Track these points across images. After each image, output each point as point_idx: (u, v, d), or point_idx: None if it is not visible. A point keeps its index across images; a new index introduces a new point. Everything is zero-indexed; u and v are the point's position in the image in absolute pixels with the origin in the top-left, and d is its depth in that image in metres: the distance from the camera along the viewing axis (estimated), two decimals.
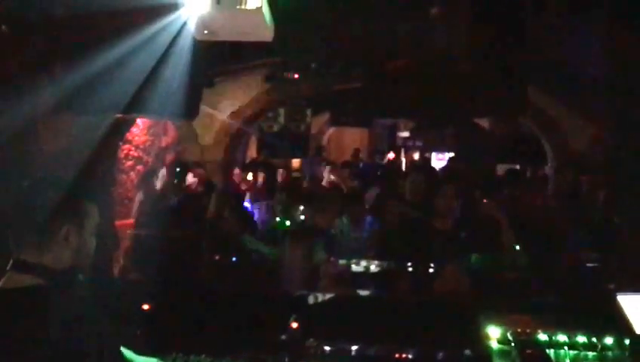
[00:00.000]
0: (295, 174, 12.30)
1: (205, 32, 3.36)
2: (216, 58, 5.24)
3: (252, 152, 12.38)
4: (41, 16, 4.03)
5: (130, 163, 9.49)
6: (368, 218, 5.64)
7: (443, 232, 4.61)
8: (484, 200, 5.31)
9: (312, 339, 3.18)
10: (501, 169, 10.57)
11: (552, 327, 3.19)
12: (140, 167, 9.47)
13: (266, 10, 3.21)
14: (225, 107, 9.93)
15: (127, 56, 3.84)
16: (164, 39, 3.80)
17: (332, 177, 9.15)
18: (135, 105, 4.16)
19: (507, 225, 4.44)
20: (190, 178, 7.23)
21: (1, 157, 3.95)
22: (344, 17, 5.20)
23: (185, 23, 3.64)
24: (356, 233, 5.57)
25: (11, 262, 1.87)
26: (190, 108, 4.63)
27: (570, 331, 3.16)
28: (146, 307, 3.45)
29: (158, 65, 3.93)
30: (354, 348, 3.18)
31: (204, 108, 4.90)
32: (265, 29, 3.33)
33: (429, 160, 17.21)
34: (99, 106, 4.29)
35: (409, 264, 4.76)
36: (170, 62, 3.93)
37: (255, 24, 3.22)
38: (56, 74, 4.32)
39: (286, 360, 3.00)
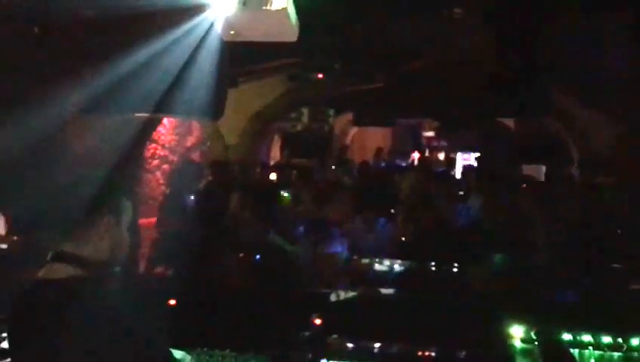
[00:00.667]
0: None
1: (231, 32, 3.40)
2: (241, 59, 5.29)
3: (275, 152, 12.45)
4: (70, 17, 4.12)
5: (156, 162, 9.61)
6: (381, 219, 5.60)
7: (467, 232, 4.61)
8: (520, 198, 5.28)
9: (334, 336, 3.20)
10: (526, 169, 10.48)
11: (576, 327, 3.17)
12: (165, 166, 9.58)
13: (291, 10, 3.24)
14: (249, 107, 10.00)
15: (154, 57, 3.90)
16: (191, 40, 3.85)
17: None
18: (162, 105, 4.22)
19: (539, 223, 4.40)
20: (214, 177, 7.29)
21: (37, 155, 4.05)
22: (367, 17, 5.20)
23: (211, 24, 3.69)
24: (371, 233, 5.53)
25: (51, 253, 1.93)
26: (216, 109, 4.68)
27: (595, 331, 3.13)
28: (172, 302, 3.51)
29: (185, 65, 3.98)
30: (376, 345, 3.19)
31: (228, 109, 4.95)
32: (290, 30, 3.36)
33: (453, 160, 17.07)
34: (127, 106, 4.37)
35: (432, 264, 4.77)
36: (197, 62, 3.98)
37: (280, 24, 3.26)
38: (86, 75, 4.41)
39: (309, 356, 3.03)
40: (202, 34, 3.82)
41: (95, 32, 4.03)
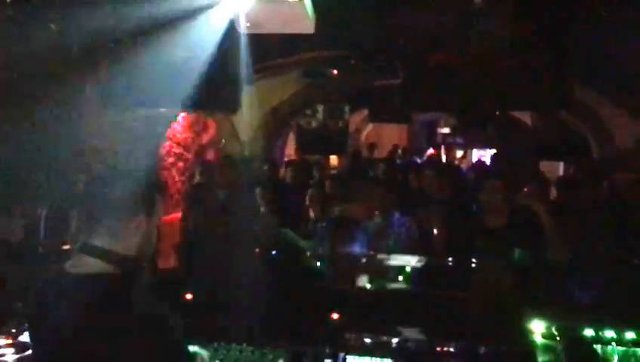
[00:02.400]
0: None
1: (248, 24, 3.39)
2: (256, 53, 5.28)
3: (290, 149, 12.44)
4: (85, 13, 4.14)
5: (171, 160, 9.65)
6: (396, 214, 5.54)
7: (490, 230, 4.55)
8: (524, 189, 5.20)
9: (352, 331, 3.18)
10: (543, 166, 10.37)
11: (599, 323, 3.11)
12: (180, 164, 9.62)
13: (307, 1, 3.22)
14: (264, 104, 10.00)
15: (170, 51, 3.89)
16: (208, 33, 3.84)
17: None
18: (180, 99, 4.22)
19: (547, 213, 4.31)
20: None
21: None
22: (383, 10, 5.15)
23: (228, 17, 3.67)
24: (387, 229, 5.47)
25: (79, 245, 1.92)
26: (232, 103, 4.68)
27: (618, 327, 3.07)
28: (189, 296, 3.50)
29: (202, 59, 3.97)
30: (394, 340, 3.16)
31: (243, 105, 4.95)
32: (307, 21, 3.34)
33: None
34: (145, 101, 4.38)
35: (450, 259, 4.73)
36: (214, 55, 3.97)
37: (297, 16, 3.23)
38: (103, 70, 4.43)
39: (326, 351, 3.01)
40: (219, 27, 3.80)
41: (111, 27, 4.04)
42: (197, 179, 7.02)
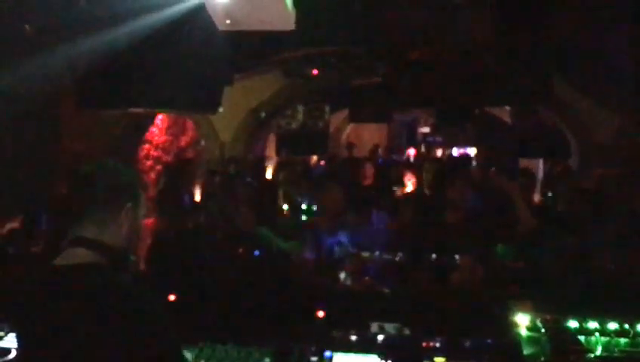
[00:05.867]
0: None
1: (227, 21, 3.35)
2: (235, 54, 5.24)
3: (270, 150, 12.39)
4: (61, 11, 4.06)
5: (149, 163, 9.56)
6: (374, 213, 5.55)
7: (455, 225, 4.61)
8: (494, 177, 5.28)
9: (338, 329, 3.17)
10: (522, 163, 10.46)
11: (582, 314, 3.14)
12: (159, 167, 9.54)
13: None
14: (243, 105, 9.95)
15: (146, 49, 3.81)
16: (186, 30, 3.77)
17: None
18: (158, 99, 4.17)
19: (518, 194, 4.39)
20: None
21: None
22: (363, 7, 5.14)
23: (206, 13, 3.61)
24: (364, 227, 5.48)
25: (69, 238, 1.93)
26: (211, 103, 4.63)
27: (601, 317, 3.11)
28: (172, 298, 3.46)
29: (180, 57, 3.91)
30: (380, 337, 3.16)
31: (223, 106, 4.91)
32: (286, 17, 3.32)
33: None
34: (121, 101, 4.31)
35: (426, 256, 4.75)
36: (192, 54, 3.92)
37: (277, 11, 3.21)
38: (80, 69, 4.35)
39: (312, 349, 2.99)
40: (196, 23, 3.74)
41: (88, 25, 3.96)
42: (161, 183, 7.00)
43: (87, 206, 1.94)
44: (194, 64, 4.03)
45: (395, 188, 8.05)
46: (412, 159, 15.32)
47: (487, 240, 4.52)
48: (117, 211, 1.96)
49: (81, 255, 1.89)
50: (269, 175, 9.86)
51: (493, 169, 5.22)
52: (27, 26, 4.44)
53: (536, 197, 6.86)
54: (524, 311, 3.23)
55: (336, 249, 4.88)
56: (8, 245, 4.26)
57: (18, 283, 2.09)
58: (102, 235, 1.93)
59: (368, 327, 3.23)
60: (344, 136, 17.37)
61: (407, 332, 3.22)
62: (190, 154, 10.38)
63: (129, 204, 1.98)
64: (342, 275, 4.50)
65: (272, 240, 5.17)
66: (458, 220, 4.68)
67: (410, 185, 7.50)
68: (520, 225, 4.39)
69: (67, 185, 2.05)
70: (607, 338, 3.06)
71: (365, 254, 4.87)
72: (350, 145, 14.11)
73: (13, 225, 4.47)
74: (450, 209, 4.84)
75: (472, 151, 16.33)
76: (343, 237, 4.87)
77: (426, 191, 6.61)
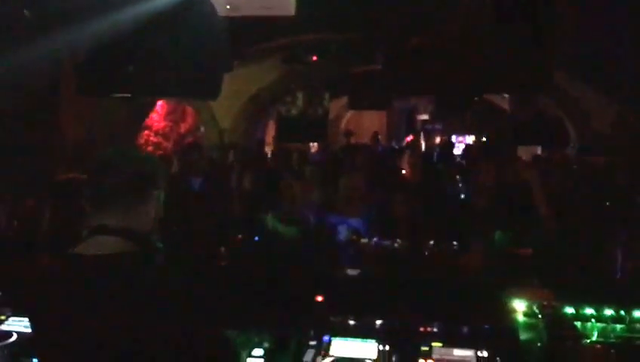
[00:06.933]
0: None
1: (227, 7, 3.34)
2: (235, 40, 5.23)
3: (270, 136, 12.40)
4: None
5: (149, 148, 9.57)
6: (380, 200, 5.58)
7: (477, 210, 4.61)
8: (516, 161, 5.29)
9: (337, 314, 3.19)
10: (521, 150, 10.48)
11: (578, 300, 3.16)
12: (159, 153, 9.55)
13: None
14: (243, 91, 9.94)
15: (146, 34, 3.80)
16: (186, 17, 3.77)
17: None
18: (158, 86, 4.16)
19: (537, 181, 4.40)
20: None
21: None
22: None
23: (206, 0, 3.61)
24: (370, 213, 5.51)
25: (93, 227, 1.87)
26: (211, 90, 4.62)
27: (598, 304, 3.13)
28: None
29: (178, 42, 3.90)
30: (378, 322, 3.18)
31: (222, 92, 4.90)
32: (286, 3, 3.31)
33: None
34: (121, 88, 4.31)
35: (432, 242, 4.76)
36: (192, 41, 3.90)
37: None
38: (78, 56, 4.35)
39: (311, 334, 3.01)
40: (198, 9, 3.73)
41: (84, 10, 3.95)
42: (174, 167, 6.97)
43: (111, 193, 1.87)
44: (194, 50, 4.02)
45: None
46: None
47: (508, 225, 4.51)
48: (142, 199, 1.91)
49: (105, 243, 1.82)
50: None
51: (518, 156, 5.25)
52: (26, 12, 4.44)
53: None
54: (522, 297, 3.25)
55: (343, 232, 4.91)
56: (25, 232, 4.22)
57: (40, 271, 2.02)
58: (127, 223, 1.86)
59: (367, 312, 3.24)
60: (343, 123, 17.36)
61: (405, 317, 3.24)
62: (190, 140, 10.40)
63: (155, 192, 1.95)
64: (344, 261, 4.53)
65: (273, 226, 5.20)
66: (482, 205, 4.65)
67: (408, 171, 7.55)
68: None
69: (85, 171, 1.98)
70: (604, 325, 3.08)
71: (365, 240, 4.90)
72: (348, 133, 14.10)
73: (26, 211, 4.42)
74: (475, 194, 4.81)
75: (470, 138, 16.35)
76: (355, 223, 4.90)
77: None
